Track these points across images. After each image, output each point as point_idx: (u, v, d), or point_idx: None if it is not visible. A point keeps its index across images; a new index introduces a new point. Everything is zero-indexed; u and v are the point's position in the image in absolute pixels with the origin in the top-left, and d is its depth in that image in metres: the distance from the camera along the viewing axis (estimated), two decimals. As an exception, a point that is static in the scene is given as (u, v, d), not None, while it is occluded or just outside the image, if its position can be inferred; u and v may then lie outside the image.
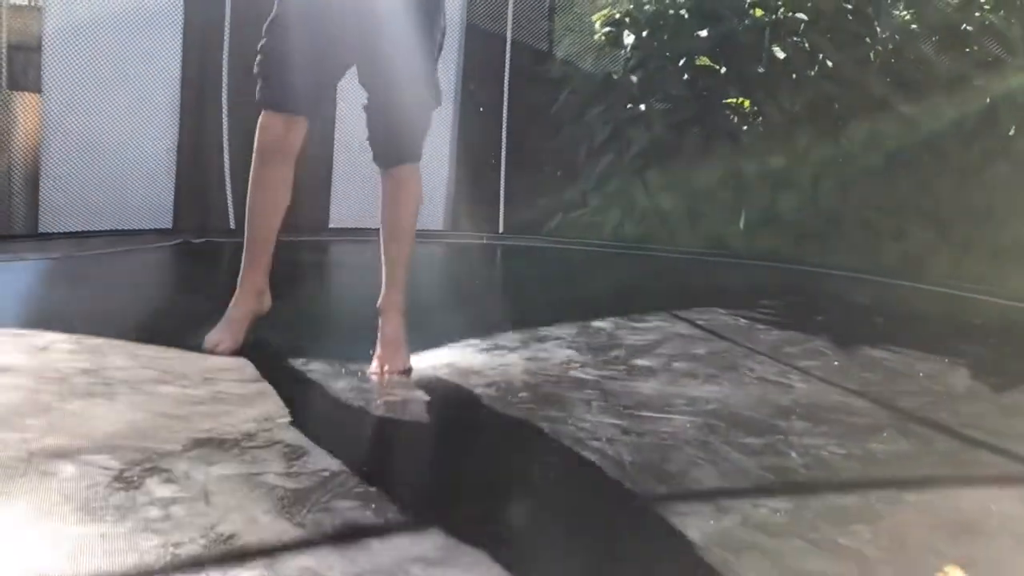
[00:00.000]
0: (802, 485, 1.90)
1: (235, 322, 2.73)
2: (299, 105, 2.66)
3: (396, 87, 2.68)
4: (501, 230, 6.69)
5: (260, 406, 2.28)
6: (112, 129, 5.53)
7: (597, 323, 3.55)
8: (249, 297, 2.77)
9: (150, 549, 1.43)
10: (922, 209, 6.10)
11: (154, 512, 1.58)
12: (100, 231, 5.41)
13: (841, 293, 5.07)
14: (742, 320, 3.80)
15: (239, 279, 2.77)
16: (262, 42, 2.64)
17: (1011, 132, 5.95)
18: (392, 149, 2.79)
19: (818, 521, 1.69)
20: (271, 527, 1.54)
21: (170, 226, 5.74)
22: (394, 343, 2.67)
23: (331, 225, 6.13)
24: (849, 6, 6.55)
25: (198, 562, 1.39)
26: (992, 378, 3.03)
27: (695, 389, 2.70)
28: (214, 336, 2.69)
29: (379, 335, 2.70)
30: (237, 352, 2.66)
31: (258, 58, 2.65)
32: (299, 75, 2.58)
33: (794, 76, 6.53)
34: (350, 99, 6.25)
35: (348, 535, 1.53)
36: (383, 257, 2.79)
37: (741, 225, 6.53)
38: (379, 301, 2.78)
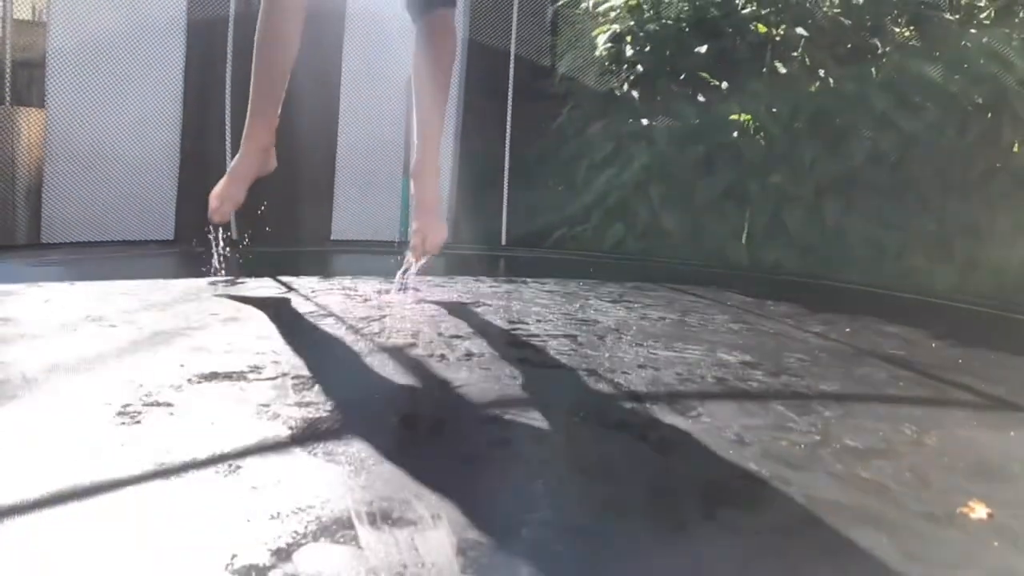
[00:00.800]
0: (822, 422, 1.85)
1: (237, 181, 2.69)
2: None
3: None
4: (504, 243, 6.69)
5: (268, 339, 2.26)
6: (115, 143, 5.57)
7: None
8: (254, 155, 2.73)
9: (155, 483, 1.38)
10: (925, 226, 6.09)
11: (159, 444, 1.53)
12: (102, 242, 5.41)
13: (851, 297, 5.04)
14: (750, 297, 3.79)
15: (243, 136, 2.70)
16: None
17: (1014, 148, 5.96)
18: None
19: (840, 455, 1.65)
20: (281, 458, 1.50)
21: (172, 237, 5.73)
22: (432, 210, 2.61)
23: (333, 237, 6.15)
24: (848, 22, 6.62)
25: (206, 494, 1.34)
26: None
27: (709, 335, 2.69)
28: (215, 199, 2.64)
29: (415, 203, 2.63)
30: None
31: None
32: None
33: (795, 91, 6.57)
34: (349, 115, 6.43)
35: (361, 464, 1.49)
36: (416, 118, 2.63)
37: (743, 240, 6.52)
38: (412, 166, 2.67)
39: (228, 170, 2.69)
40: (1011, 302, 5.27)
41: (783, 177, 6.36)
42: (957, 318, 4.45)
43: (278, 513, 1.25)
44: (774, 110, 6.55)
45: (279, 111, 2.75)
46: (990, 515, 1.43)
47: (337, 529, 1.21)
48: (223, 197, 2.66)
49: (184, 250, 5.38)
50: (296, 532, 1.20)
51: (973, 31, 6.26)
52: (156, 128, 5.79)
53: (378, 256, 5.70)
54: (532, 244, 6.66)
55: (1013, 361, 2.96)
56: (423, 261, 2.75)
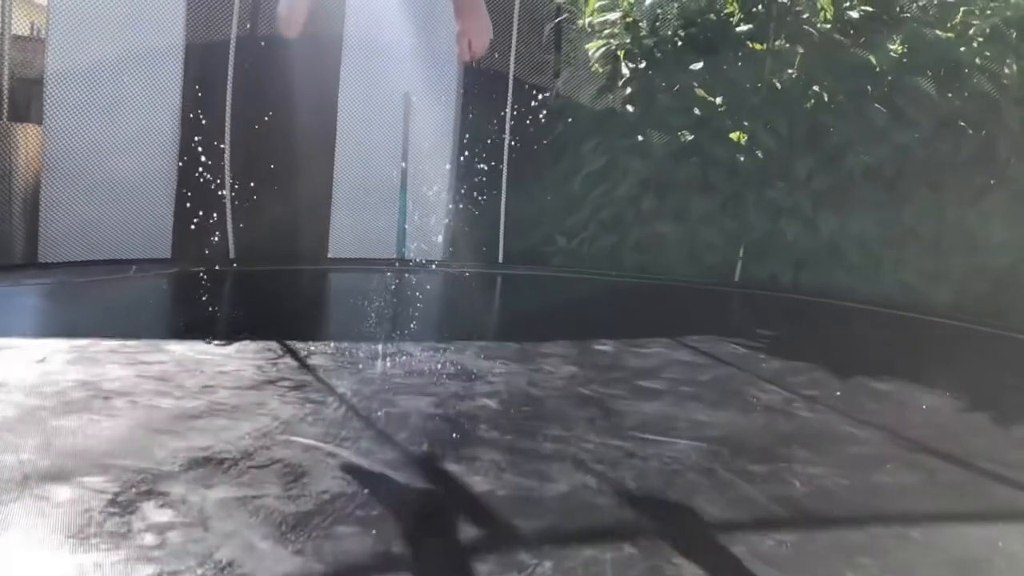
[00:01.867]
0: (807, 517, 1.87)
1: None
2: None
3: None
4: (501, 259, 6.69)
5: (259, 420, 2.27)
6: (112, 160, 5.55)
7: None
8: None
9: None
10: (922, 239, 6.10)
11: (150, 539, 1.55)
12: (99, 260, 5.40)
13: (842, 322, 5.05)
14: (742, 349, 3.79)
15: None
16: None
17: (1010, 162, 5.96)
18: None
19: (825, 554, 1.66)
20: (270, 555, 1.51)
21: (169, 255, 5.73)
22: (475, 9, 2.38)
23: (330, 255, 6.14)
24: (846, 40, 6.61)
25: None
26: (997, 411, 3.01)
27: (699, 412, 2.69)
28: (283, 7, 2.39)
29: (455, 8, 2.39)
30: None
31: None
32: None
33: (791, 106, 6.57)
34: (347, 136, 6.42)
35: (349, 563, 1.50)
36: None
37: (740, 254, 6.53)
38: None
39: None
40: (1008, 320, 5.28)
41: (779, 192, 6.36)
42: (951, 348, 4.44)
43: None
44: (769, 126, 6.54)
45: None
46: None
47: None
48: (290, 10, 2.36)
49: (181, 271, 5.39)
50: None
51: (963, 48, 6.24)
52: (153, 147, 5.78)
53: (375, 272, 5.71)
54: (529, 260, 6.66)
55: (1006, 421, 2.90)
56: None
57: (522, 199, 6.86)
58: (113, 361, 2.82)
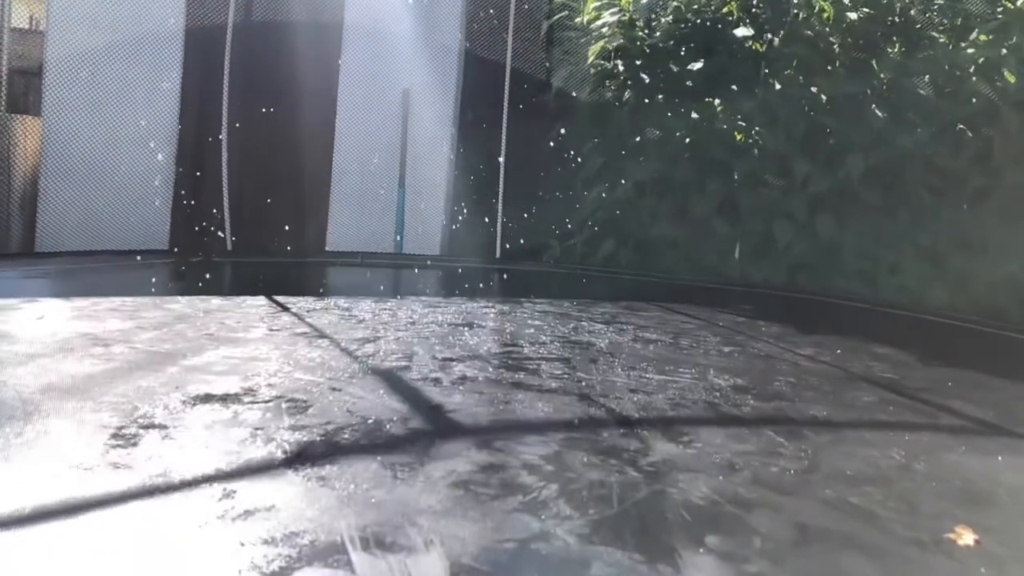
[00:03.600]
0: (812, 448, 1.87)
1: None
2: None
3: None
4: (498, 256, 6.69)
5: (260, 362, 2.27)
6: (110, 153, 5.57)
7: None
8: None
9: (151, 505, 1.39)
10: (918, 241, 6.11)
11: (153, 468, 1.54)
12: (96, 251, 5.41)
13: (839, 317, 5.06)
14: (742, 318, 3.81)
15: None
16: None
17: (1007, 167, 5.98)
18: None
19: (829, 482, 1.66)
20: (274, 482, 1.51)
21: (166, 247, 5.73)
22: None
23: (328, 248, 6.15)
24: (842, 41, 6.66)
25: (203, 517, 1.35)
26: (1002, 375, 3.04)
27: (702, 358, 2.70)
28: None
29: None
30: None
31: None
32: None
33: (789, 108, 6.59)
34: (346, 129, 6.43)
35: (354, 488, 1.50)
36: None
37: (736, 255, 6.54)
38: None
39: None
40: (1001, 318, 5.30)
41: (776, 193, 6.39)
42: (948, 337, 4.48)
43: (272, 538, 1.27)
44: (765, 128, 6.57)
45: None
46: (976, 541, 1.45)
47: (330, 554, 1.23)
48: None
49: (179, 261, 5.39)
50: (290, 556, 1.21)
51: (969, 49, 6.28)
52: (152, 138, 5.79)
53: (372, 268, 5.71)
54: (526, 258, 6.68)
55: (1001, 383, 2.98)
56: None
57: (521, 197, 6.87)
58: (113, 317, 2.82)
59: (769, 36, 6.73)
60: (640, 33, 7.04)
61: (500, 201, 6.82)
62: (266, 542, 1.26)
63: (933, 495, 1.67)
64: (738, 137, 6.72)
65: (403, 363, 2.40)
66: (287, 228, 5.95)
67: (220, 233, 5.81)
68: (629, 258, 6.62)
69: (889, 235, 6.17)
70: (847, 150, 6.33)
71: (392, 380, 2.22)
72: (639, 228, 6.67)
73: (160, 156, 5.80)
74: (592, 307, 3.80)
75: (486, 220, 6.70)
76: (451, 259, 6.40)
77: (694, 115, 6.79)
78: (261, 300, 3.29)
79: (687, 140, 6.70)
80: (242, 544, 1.24)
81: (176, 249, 5.69)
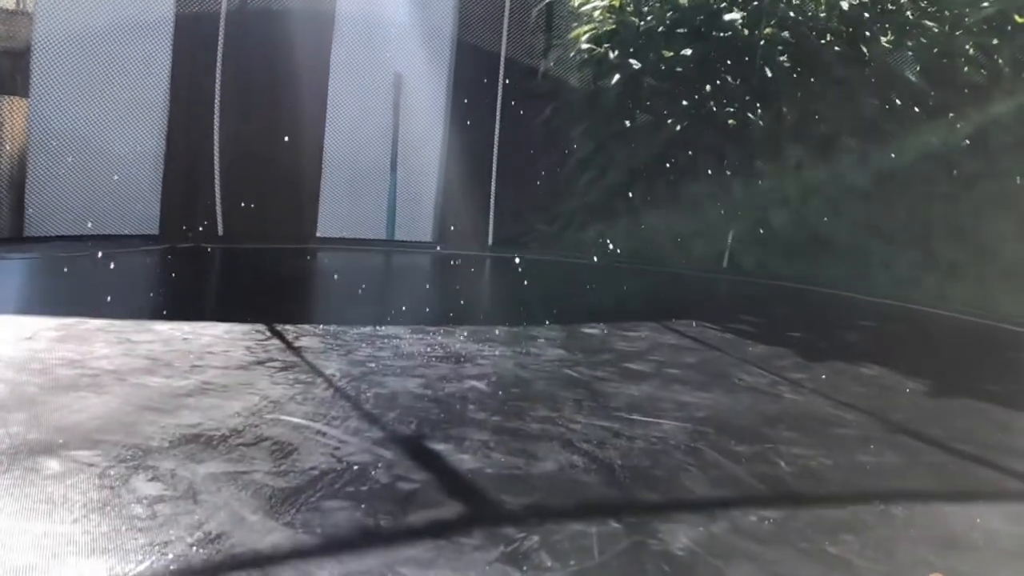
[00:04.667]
0: (791, 494, 1.89)
1: None
2: None
3: None
4: (491, 243, 6.69)
5: (247, 399, 2.28)
6: (100, 135, 5.52)
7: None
8: None
9: (135, 548, 1.41)
10: (911, 231, 6.12)
11: (139, 510, 1.56)
12: (86, 235, 5.39)
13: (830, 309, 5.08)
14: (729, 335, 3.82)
15: None
16: None
17: (999, 155, 5.98)
18: None
19: (807, 530, 1.69)
20: (259, 527, 1.52)
21: (157, 232, 5.71)
22: None
23: (319, 235, 6.14)
24: (830, 26, 6.61)
25: (185, 562, 1.37)
26: (979, 395, 3.04)
27: (686, 394, 2.71)
28: None
29: None
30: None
31: None
32: None
33: (781, 95, 6.57)
34: (336, 115, 6.39)
35: (337, 536, 1.52)
36: None
37: (728, 242, 6.54)
38: None
39: None
40: (992, 306, 5.32)
41: (767, 180, 6.38)
42: (935, 338, 4.48)
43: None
44: (759, 114, 6.55)
45: None
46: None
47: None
48: None
49: (169, 247, 5.38)
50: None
51: (959, 34, 6.26)
52: (142, 121, 5.74)
53: (364, 253, 5.71)
54: (518, 243, 6.66)
55: (984, 406, 2.93)
56: None
57: (514, 182, 6.85)
58: (100, 341, 2.82)
59: (763, 22, 6.68)
60: (631, 18, 6.97)
61: (493, 186, 6.79)
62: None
63: (910, 541, 1.70)
64: (730, 123, 6.70)
65: (390, 404, 2.41)
66: (278, 214, 5.94)
67: (210, 219, 5.79)
68: (619, 243, 6.62)
69: (881, 222, 6.17)
70: (838, 136, 6.32)
71: (380, 424, 2.23)
72: (629, 213, 6.66)
73: (150, 140, 5.76)
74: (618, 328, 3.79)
75: (478, 206, 6.67)
76: (444, 248, 6.39)
77: (684, 103, 6.75)
78: (248, 327, 3.24)
79: (679, 126, 6.67)
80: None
81: (166, 235, 5.67)
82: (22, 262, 4.59)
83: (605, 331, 3.73)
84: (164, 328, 3.10)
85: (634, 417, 2.43)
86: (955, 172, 6.11)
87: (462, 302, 4.26)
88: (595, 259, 6.21)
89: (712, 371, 3.10)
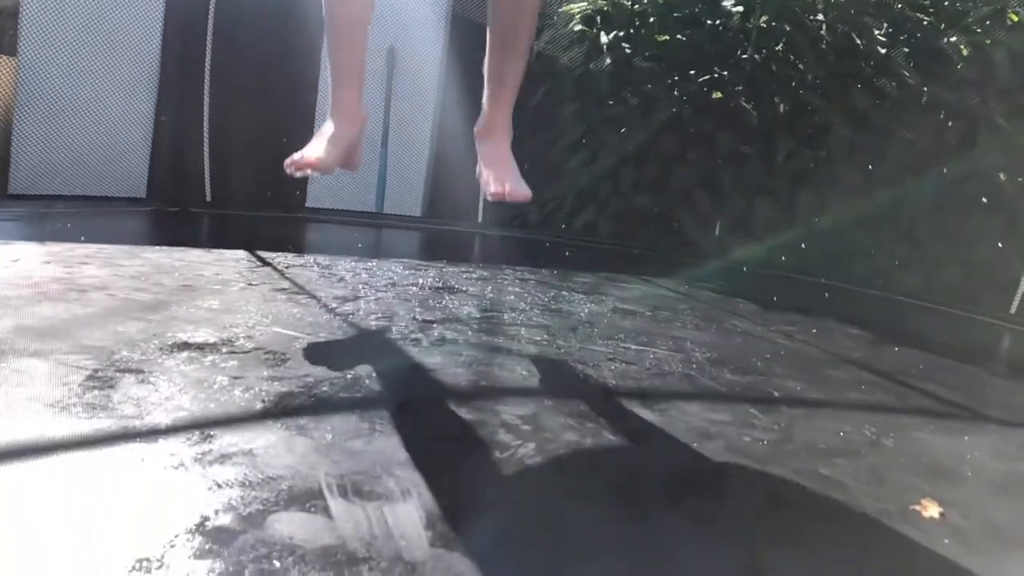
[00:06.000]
0: (785, 421, 1.90)
1: (330, 139, 2.10)
2: None
3: None
4: (480, 220, 6.68)
5: (240, 314, 2.26)
6: (88, 96, 5.47)
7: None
8: (343, 119, 2.13)
9: (125, 446, 1.38)
10: (897, 224, 6.16)
11: (130, 410, 1.53)
12: (72, 196, 5.34)
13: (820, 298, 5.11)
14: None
15: (331, 104, 2.15)
16: None
17: (989, 152, 6.03)
18: None
19: (800, 453, 1.69)
20: (252, 428, 1.50)
21: (144, 195, 5.66)
22: (507, 164, 2.13)
23: (308, 204, 6.12)
24: (823, 17, 6.66)
25: (176, 460, 1.35)
26: (969, 362, 3.09)
27: (680, 331, 2.72)
28: (302, 153, 2.07)
29: (486, 162, 2.15)
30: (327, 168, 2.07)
31: None
32: None
33: (773, 84, 6.61)
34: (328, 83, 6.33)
35: (332, 439, 1.50)
36: (487, 71, 2.20)
37: (716, 231, 6.57)
38: (478, 124, 2.25)
39: (316, 135, 2.17)
40: (975, 302, 5.38)
41: (756, 170, 6.41)
42: (921, 319, 4.54)
43: (248, 481, 1.27)
44: (751, 103, 6.58)
45: (363, 79, 2.19)
46: (941, 514, 1.48)
47: (307, 499, 1.23)
48: (309, 153, 2.06)
49: (156, 209, 5.34)
50: (266, 500, 1.21)
51: (954, 37, 6.31)
52: (131, 82, 5.69)
53: (352, 227, 5.69)
54: (507, 222, 6.67)
55: (970, 367, 3.03)
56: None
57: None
58: (88, 264, 2.79)
59: (758, 10, 6.71)
60: (624, 1, 6.98)
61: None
62: (243, 485, 1.26)
63: (900, 469, 1.70)
64: (722, 110, 6.72)
65: (383, 324, 2.40)
66: (267, 182, 5.91)
67: (199, 183, 5.75)
68: (608, 228, 6.63)
69: (868, 215, 6.22)
70: (829, 128, 6.36)
71: (372, 340, 2.23)
72: (619, 198, 6.67)
73: (140, 102, 5.71)
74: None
75: (469, 184, 6.64)
76: (434, 223, 6.38)
77: (675, 92, 6.77)
78: (240, 254, 3.26)
79: (670, 111, 6.69)
80: (219, 486, 1.25)
81: (154, 197, 5.63)
82: (6, 214, 4.54)
83: (595, 279, 3.74)
84: (153, 255, 3.08)
85: (629, 345, 2.44)
86: (945, 168, 6.16)
87: (450, 258, 4.24)
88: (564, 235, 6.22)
89: (707, 316, 3.12)
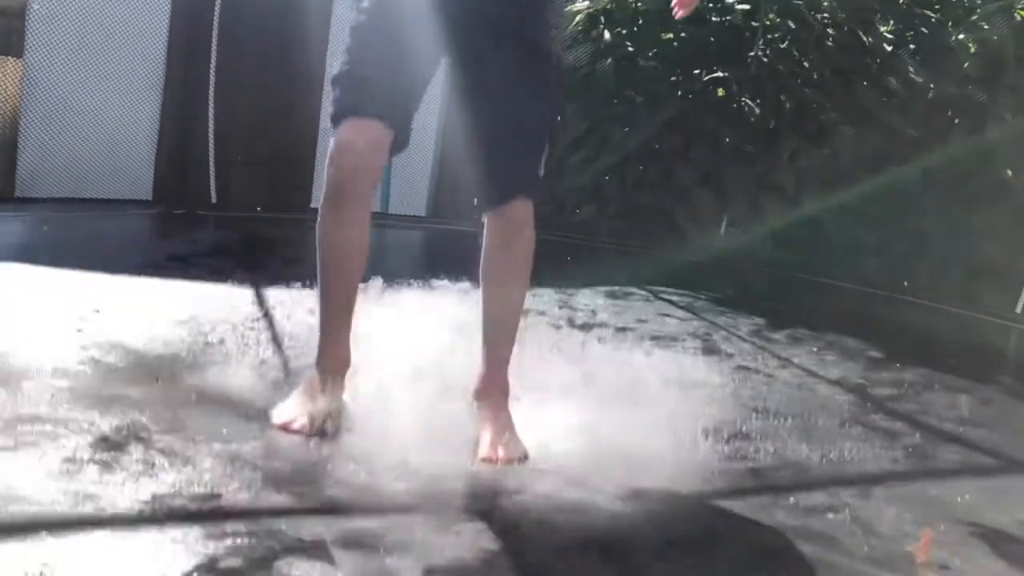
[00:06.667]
0: (775, 480, 1.93)
1: (310, 400, 2.04)
2: (388, 111, 2.01)
3: (502, 95, 2.07)
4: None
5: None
6: (94, 97, 5.48)
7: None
8: (327, 378, 2.06)
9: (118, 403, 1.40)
10: (904, 224, 6.14)
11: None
12: (78, 199, 5.35)
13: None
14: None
15: (318, 350, 2.10)
16: (346, 47, 2.06)
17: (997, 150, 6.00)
18: (499, 180, 2.12)
19: (793, 510, 1.71)
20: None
21: (150, 198, 5.66)
22: (506, 429, 2.04)
23: (312, 205, 6.10)
24: (828, 16, 6.59)
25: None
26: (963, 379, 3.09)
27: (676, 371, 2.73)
28: (286, 412, 2.03)
29: (483, 424, 2.06)
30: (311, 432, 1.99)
31: (338, 64, 2.07)
32: (388, 77, 2.00)
33: (778, 82, 6.56)
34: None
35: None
36: (483, 322, 2.14)
37: (722, 230, 6.54)
38: (476, 383, 2.14)
39: (300, 387, 2.11)
40: (980, 301, 5.36)
41: (762, 167, 6.38)
42: (922, 331, 4.50)
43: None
44: (756, 100, 6.54)
45: (352, 322, 2.10)
46: (931, 560, 1.49)
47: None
48: (294, 418, 2.00)
49: (162, 213, 5.34)
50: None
51: (961, 35, 6.26)
52: (138, 84, 5.68)
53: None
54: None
55: (964, 398, 2.97)
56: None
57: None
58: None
59: (764, 8, 6.66)
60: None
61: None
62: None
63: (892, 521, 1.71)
64: (727, 107, 6.69)
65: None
66: (272, 183, 5.90)
67: (204, 186, 5.74)
68: (610, 226, 6.61)
69: (876, 214, 6.19)
70: (835, 126, 6.33)
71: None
72: (622, 195, 6.66)
73: (146, 103, 5.71)
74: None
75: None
76: (438, 222, 6.37)
77: (679, 91, 6.72)
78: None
79: (674, 109, 6.65)
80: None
81: (159, 201, 5.63)
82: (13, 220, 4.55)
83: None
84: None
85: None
86: (952, 166, 6.12)
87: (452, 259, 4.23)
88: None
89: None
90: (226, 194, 5.79)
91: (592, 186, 6.72)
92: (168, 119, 5.73)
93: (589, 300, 3.78)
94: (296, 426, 1.95)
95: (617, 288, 4.13)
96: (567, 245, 5.88)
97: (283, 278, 3.15)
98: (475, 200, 2.18)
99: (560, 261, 4.59)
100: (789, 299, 4.48)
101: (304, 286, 2.84)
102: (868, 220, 6.19)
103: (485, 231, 2.15)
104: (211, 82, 5.71)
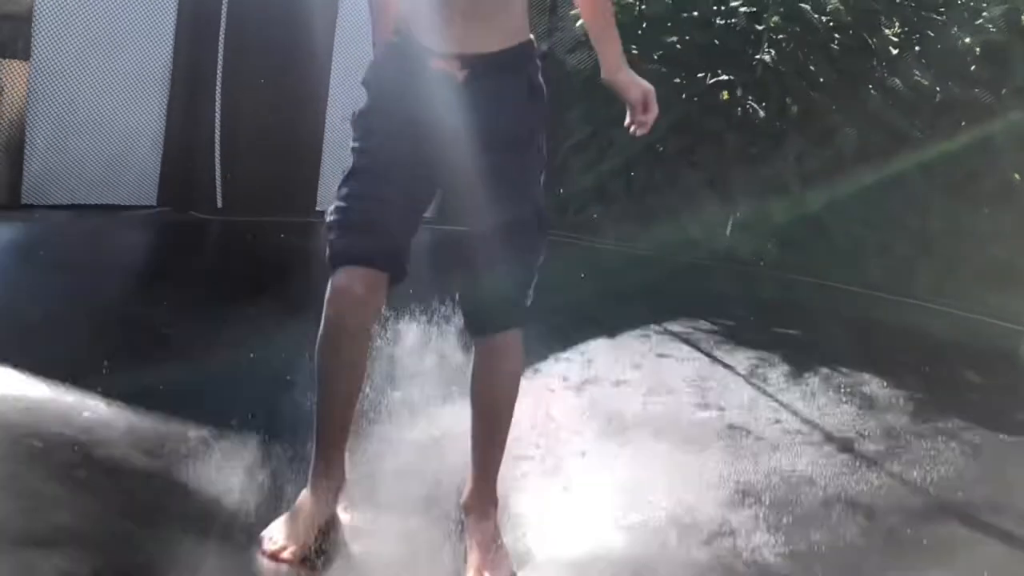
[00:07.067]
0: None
1: (301, 523, 2.08)
2: (384, 255, 2.05)
3: (491, 227, 2.10)
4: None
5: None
6: (100, 102, 5.48)
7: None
8: (320, 498, 2.12)
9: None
10: (909, 226, 6.12)
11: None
12: (84, 205, 5.35)
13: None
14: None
15: (310, 471, 2.14)
16: (341, 192, 2.11)
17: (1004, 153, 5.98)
18: (487, 314, 2.16)
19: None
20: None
21: (155, 202, 5.67)
22: (493, 547, 2.09)
23: (318, 208, 6.11)
24: (833, 19, 6.57)
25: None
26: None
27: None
28: (278, 536, 2.05)
29: (471, 541, 2.11)
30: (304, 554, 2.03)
31: (332, 208, 2.10)
32: (383, 220, 2.05)
33: (784, 85, 6.55)
34: (339, 83, 6.31)
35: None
36: (472, 442, 2.21)
37: (728, 232, 6.53)
38: (464, 496, 2.21)
39: (292, 508, 2.13)
40: (986, 303, 5.34)
41: (768, 169, 6.37)
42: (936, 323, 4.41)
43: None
44: (762, 103, 6.53)
45: (345, 448, 2.18)
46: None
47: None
48: (285, 545, 2.03)
49: (166, 218, 5.35)
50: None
51: (967, 37, 6.25)
52: (144, 88, 5.68)
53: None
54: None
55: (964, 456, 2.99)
56: None
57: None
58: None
59: (770, 11, 6.64)
60: (631, 1, 6.91)
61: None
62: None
63: None
64: (733, 107, 6.68)
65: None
66: (277, 187, 5.91)
67: (210, 190, 5.75)
68: (614, 228, 6.61)
69: (881, 216, 6.18)
70: (841, 128, 6.31)
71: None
72: (626, 198, 6.65)
73: (152, 108, 5.71)
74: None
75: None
76: (440, 227, 6.36)
77: (684, 95, 6.71)
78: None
79: (679, 112, 6.64)
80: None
81: (164, 204, 5.64)
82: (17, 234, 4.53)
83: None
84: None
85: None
86: (958, 169, 6.10)
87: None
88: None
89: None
90: (231, 199, 5.79)
91: (597, 188, 6.72)
92: (174, 125, 5.73)
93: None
94: (286, 555, 1.99)
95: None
96: (569, 245, 5.89)
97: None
98: (464, 323, 2.23)
99: (560, 261, 4.58)
100: (789, 305, 4.44)
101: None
102: (874, 222, 6.17)
103: (474, 351, 2.21)
104: (218, 85, 5.72)
